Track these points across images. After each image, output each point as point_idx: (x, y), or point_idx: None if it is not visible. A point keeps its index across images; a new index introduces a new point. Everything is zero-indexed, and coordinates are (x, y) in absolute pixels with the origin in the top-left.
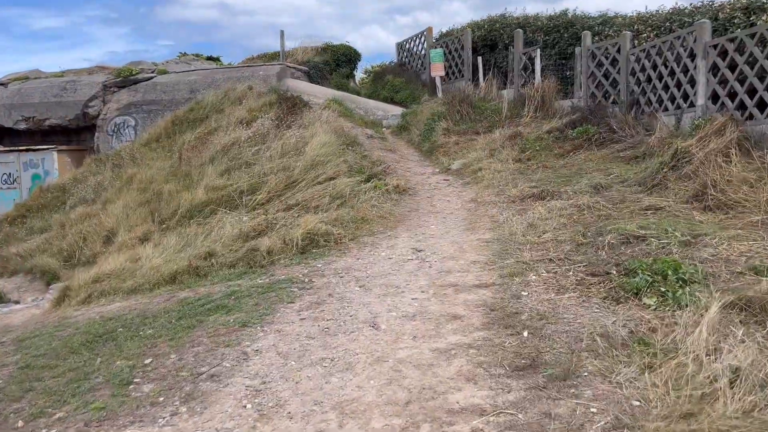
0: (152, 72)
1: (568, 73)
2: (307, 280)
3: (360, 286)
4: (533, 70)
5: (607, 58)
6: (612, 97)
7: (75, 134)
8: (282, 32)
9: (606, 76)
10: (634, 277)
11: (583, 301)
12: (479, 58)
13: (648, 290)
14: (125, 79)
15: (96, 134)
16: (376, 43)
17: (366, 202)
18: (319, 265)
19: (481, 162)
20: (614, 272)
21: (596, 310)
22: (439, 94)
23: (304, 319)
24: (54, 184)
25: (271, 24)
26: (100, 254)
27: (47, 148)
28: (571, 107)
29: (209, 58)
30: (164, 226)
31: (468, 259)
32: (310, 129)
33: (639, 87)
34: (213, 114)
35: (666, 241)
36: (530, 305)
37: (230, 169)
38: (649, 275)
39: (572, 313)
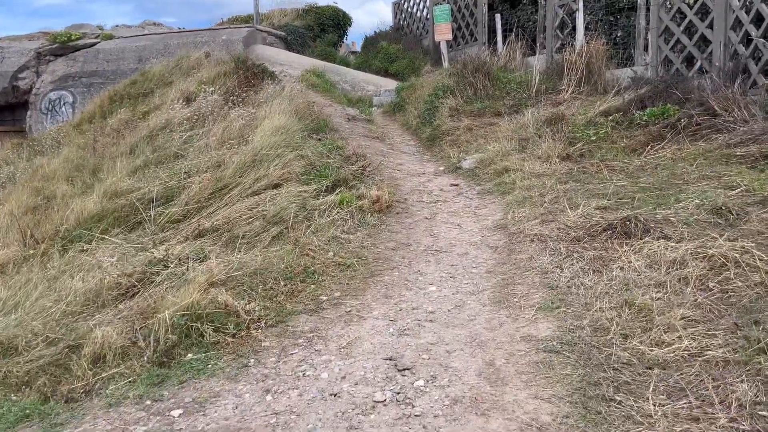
0: (96, 37)
1: (618, 34)
2: None
3: None
4: (573, 29)
5: (689, 5)
6: (698, 63)
7: (9, 112)
8: None
9: (688, 32)
10: None
11: None
12: (497, 17)
13: None
14: (63, 45)
15: (28, 112)
16: (378, 18)
17: (321, 231)
18: (176, 414)
19: (507, 158)
20: None
21: None
22: (446, 64)
23: None
24: None
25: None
26: None
27: None
28: (632, 78)
29: None
30: (32, 252)
31: (512, 408)
32: (266, 107)
33: (749, 46)
34: (159, 88)
35: None
36: None
37: (148, 164)
38: None
39: None
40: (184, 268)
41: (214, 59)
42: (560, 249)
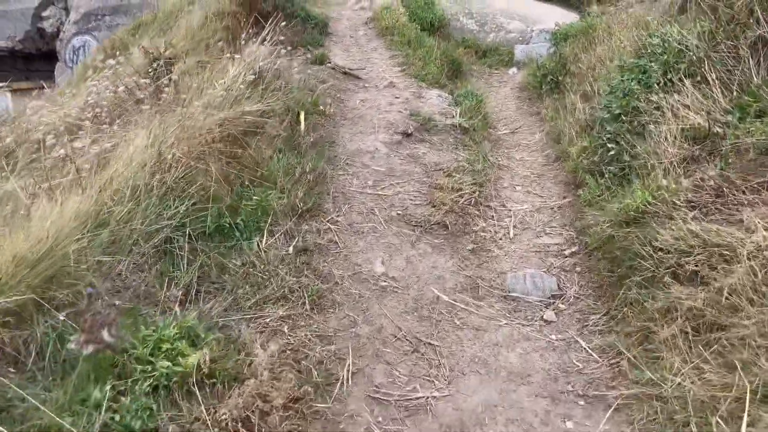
0: None
1: None
2: None
3: None
4: None
5: None
6: None
7: (44, 62)
8: None
9: None
10: None
11: None
12: None
13: None
14: None
15: (57, 64)
16: None
17: None
18: None
19: None
20: None
21: None
22: None
23: None
24: None
25: None
26: None
27: None
28: None
29: None
30: None
31: None
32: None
33: None
34: (170, 30)
35: None
36: None
37: None
38: None
39: None
40: None
41: None
42: None
